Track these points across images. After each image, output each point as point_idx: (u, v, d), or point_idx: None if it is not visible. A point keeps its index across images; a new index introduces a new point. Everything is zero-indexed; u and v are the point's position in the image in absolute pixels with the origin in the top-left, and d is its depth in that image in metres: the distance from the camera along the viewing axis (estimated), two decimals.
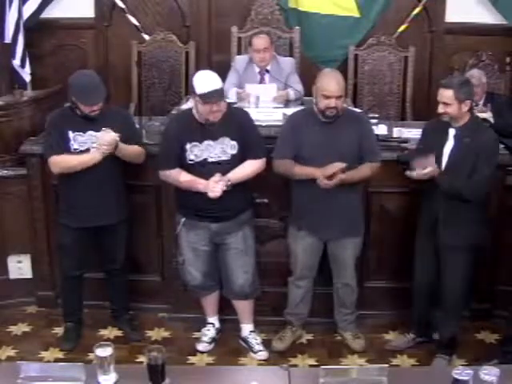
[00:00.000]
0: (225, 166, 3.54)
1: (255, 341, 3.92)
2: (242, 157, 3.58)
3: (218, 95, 3.42)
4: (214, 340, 3.97)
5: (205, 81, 3.45)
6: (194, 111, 3.54)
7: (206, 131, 3.51)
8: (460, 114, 3.51)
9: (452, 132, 3.56)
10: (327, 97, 3.53)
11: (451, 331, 3.79)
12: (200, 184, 3.51)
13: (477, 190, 3.52)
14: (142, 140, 3.92)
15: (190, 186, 3.54)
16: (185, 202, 3.65)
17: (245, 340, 3.96)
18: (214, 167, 3.52)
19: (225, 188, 3.48)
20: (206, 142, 3.51)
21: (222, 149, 3.53)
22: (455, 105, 3.48)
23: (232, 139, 3.54)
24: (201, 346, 3.93)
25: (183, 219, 3.68)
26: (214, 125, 3.48)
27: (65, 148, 3.65)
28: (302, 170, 3.60)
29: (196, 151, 3.52)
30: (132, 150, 3.74)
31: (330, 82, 3.56)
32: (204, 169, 3.51)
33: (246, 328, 3.95)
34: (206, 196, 3.51)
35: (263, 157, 3.64)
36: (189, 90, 5.40)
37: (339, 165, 3.50)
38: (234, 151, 3.55)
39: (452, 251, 3.61)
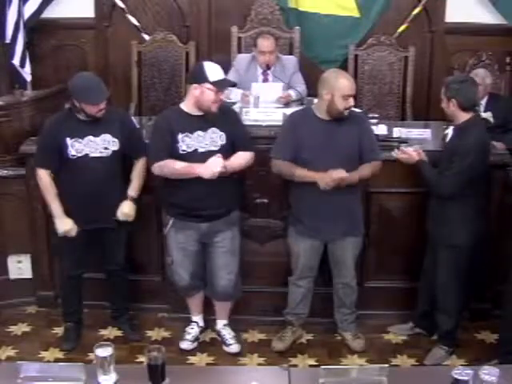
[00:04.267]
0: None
1: (228, 335, 3.95)
2: (231, 149, 3.60)
3: (228, 84, 3.68)
4: (197, 339, 3.97)
5: (216, 69, 3.56)
6: (189, 104, 3.56)
7: (196, 123, 3.55)
8: (449, 111, 3.57)
9: (450, 130, 3.63)
10: (348, 96, 3.55)
11: (446, 326, 3.82)
12: (197, 168, 3.49)
13: (443, 187, 3.55)
14: (144, 148, 3.84)
15: (187, 172, 3.52)
16: (174, 201, 3.64)
17: (218, 333, 3.99)
18: (205, 158, 3.52)
19: (220, 169, 3.46)
20: (196, 133, 3.55)
21: (211, 139, 3.56)
22: (445, 101, 3.56)
23: (221, 130, 3.57)
24: (184, 345, 3.93)
25: (172, 220, 3.68)
26: (214, 114, 3.53)
27: (61, 156, 3.62)
28: (303, 173, 3.60)
29: (188, 141, 3.54)
30: None
31: (349, 82, 3.60)
32: (194, 159, 3.52)
33: (220, 322, 3.99)
34: (196, 195, 3.53)
35: (253, 150, 3.67)
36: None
37: (341, 173, 3.50)
38: (223, 142, 3.58)
39: (438, 249, 3.69)
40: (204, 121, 3.56)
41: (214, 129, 3.57)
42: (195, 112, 3.57)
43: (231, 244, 3.74)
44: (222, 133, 3.58)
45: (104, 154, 3.66)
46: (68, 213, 3.73)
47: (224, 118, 3.61)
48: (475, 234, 3.64)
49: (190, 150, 3.54)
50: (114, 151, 3.68)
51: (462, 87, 3.53)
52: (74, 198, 3.69)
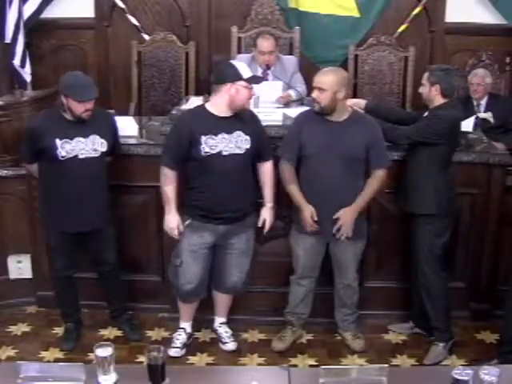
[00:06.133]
0: (238, 160, 3.54)
1: (225, 333, 3.96)
2: (254, 153, 3.61)
3: (258, 79, 3.68)
4: (185, 345, 3.93)
5: (245, 66, 3.57)
6: (219, 104, 3.51)
7: (221, 124, 3.51)
8: (430, 96, 3.66)
9: (425, 114, 3.71)
10: (313, 87, 3.59)
11: (435, 318, 3.85)
12: (171, 214, 3.61)
13: (391, 132, 3.75)
14: (120, 149, 3.93)
15: (165, 205, 3.62)
16: (195, 203, 3.61)
17: (215, 331, 4.01)
18: (228, 160, 3.52)
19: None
20: (220, 135, 3.51)
21: (236, 142, 3.53)
22: (426, 86, 3.66)
23: (245, 134, 3.55)
24: (172, 352, 3.86)
25: (189, 221, 3.65)
26: (245, 111, 3.58)
27: (51, 156, 3.60)
28: (294, 192, 3.67)
29: (211, 143, 3.50)
30: None
31: (318, 74, 3.63)
32: (218, 162, 3.51)
33: (218, 320, 4.00)
34: (219, 198, 3.54)
35: (271, 157, 3.72)
36: (188, 90, 5.43)
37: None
38: (248, 145, 3.56)
39: (410, 219, 3.81)
40: (230, 123, 3.53)
41: (239, 132, 3.53)
42: (222, 113, 3.52)
43: (246, 246, 3.75)
44: (247, 136, 3.55)
45: (93, 155, 3.64)
46: (55, 215, 3.73)
47: (249, 122, 3.59)
48: (424, 203, 3.71)
49: (213, 152, 3.50)
50: (102, 152, 3.68)
51: (447, 74, 3.63)
52: (62, 199, 3.68)
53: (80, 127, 3.61)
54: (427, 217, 3.71)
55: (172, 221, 3.63)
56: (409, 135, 3.71)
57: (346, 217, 3.61)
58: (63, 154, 3.59)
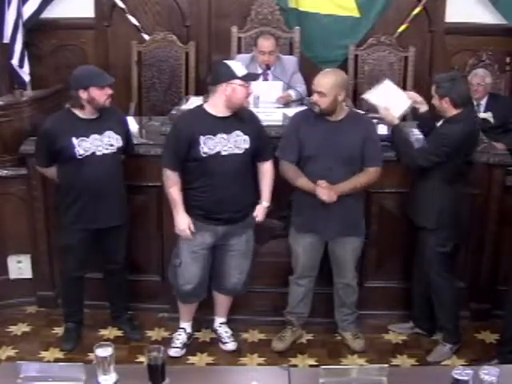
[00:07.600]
0: (238, 160, 3.54)
1: (225, 333, 3.97)
2: (253, 153, 3.60)
3: (254, 76, 3.70)
4: (185, 345, 3.93)
5: (239, 65, 3.56)
6: (217, 104, 3.50)
7: (220, 125, 3.51)
8: (441, 108, 3.62)
9: (441, 122, 3.69)
10: (314, 91, 3.59)
11: (444, 320, 3.86)
12: (179, 215, 3.59)
13: (414, 157, 3.67)
14: (134, 149, 3.95)
15: (171, 205, 3.61)
16: (195, 204, 3.60)
17: (215, 331, 4.01)
18: (227, 161, 3.51)
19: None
20: (219, 135, 3.50)
21: (235, 142, 3.53)
22: (436, 99, 3.63)
23: (244, 133, 3.54)
24: (172, 351, 3.86)
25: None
26: (244, 110, 3.58)
27: (68, 156, 3.61)
28: (304, 182, 3.62)
29: (210, 144, 3.49)
30: None
31: (317, 77, 3.62)
32: (217, 162, 3.50)
33: (218, 320, 4.00)
34: (219, 199, 3.53)
35: (271, 157, 3.71)
36: (188, 90, 5.43)
37: (331, 189, 3.54)
38: (247, 145, 3.55)
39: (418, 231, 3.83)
40: (228, 123, 3.52)
41: (238, 132, 3.53)
42: (220, 113, 3.51)
43: (245, 247, 3.75)
44: (246, 136, 3.54)
45: (110, 151, 3.67)
46: (76, 213, 3.72)
47: (248, 121, 3.59)
48: (435, 215, 3.69)
49: (212, 153, 3.48)
50: (118, 147, 3.71)
51: (454, 85, 3.59)
52: (82, 197, 3.69)
53: (94, 124, 3.64)
54: (429, 229, 3.71)
55: (182, 222, 3.61)
56: (427, 157, 3.61)
57: (328, 192, 3.54)
58: (81, 152, 3.61)
